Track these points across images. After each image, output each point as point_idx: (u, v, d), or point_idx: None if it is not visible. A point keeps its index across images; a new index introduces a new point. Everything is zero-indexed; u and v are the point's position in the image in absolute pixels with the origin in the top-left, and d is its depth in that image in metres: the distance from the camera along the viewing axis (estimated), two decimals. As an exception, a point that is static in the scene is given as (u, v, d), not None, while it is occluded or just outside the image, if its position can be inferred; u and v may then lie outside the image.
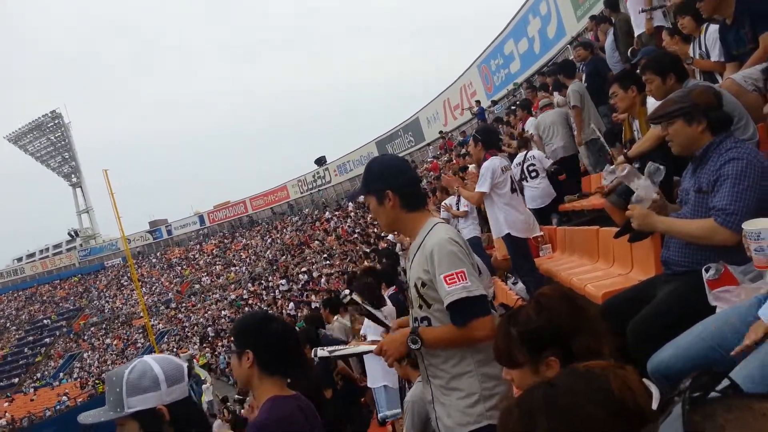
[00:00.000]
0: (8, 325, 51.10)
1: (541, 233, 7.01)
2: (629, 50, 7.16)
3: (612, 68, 7.74)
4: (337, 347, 2.64)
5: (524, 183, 7.52)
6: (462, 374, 2.27)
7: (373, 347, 2.52)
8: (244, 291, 38.60)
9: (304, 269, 32.63)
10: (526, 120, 9.60)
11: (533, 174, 7.52)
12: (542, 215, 7.40)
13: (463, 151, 17.69)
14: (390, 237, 18.60)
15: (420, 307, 2.36)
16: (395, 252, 10.53)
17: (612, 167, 3.39)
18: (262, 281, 37.80)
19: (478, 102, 24.04)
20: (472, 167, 10.58)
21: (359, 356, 2.42)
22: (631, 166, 2.89)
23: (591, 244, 5.62)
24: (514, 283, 6.45)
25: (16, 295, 55.32)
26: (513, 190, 5.67)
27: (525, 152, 7.74)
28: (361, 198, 2.72)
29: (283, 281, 33.69)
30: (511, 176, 5.69)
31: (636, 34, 7.09)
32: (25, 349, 47.09)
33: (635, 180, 2.77)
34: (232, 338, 2.32)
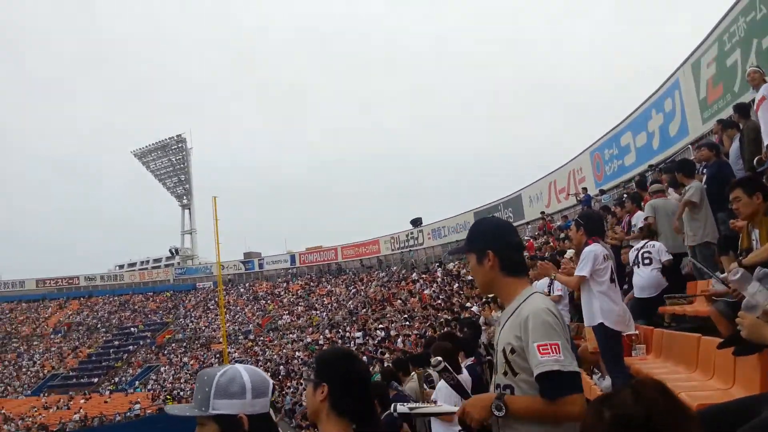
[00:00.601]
0: (99, 326, 53.89)
1: (636, 332, 6.68)
2: (755, 159, 6.89)
3: (735, 176, 7.47)
4: (418, 405, 2.61)
5: (635, 269, 7.28)
6: None
7: (455, 409, 2.45)
8: (321, 336, 38.94)
9: (382, 326, 32.59)
10: (635, 213, 9.36)
11: (646, 261, 7.27)
12: (644, 309, 7.12)
13: (563, 234, 17.35)
14: (474, 309, 18.40)
15: (505, 374, 2.30)
16: (478, 324, 10.37)
17: (723, 275, 3.27)
18: (340, 330, 38.04)
19: (584, 189, 23.67)
20: (569, 253, 10.37)
21: (439, 416, 2.36)
22: (745, 270, 2.77)
23: (690, 352, 5.27)
24: (601, 379, 6.19)
25: (111, 299, 58.41)
26: (612, 281, 5.44)
27: (646, 240, 7.56)
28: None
29: (360, 334, 33.75)
30: (612, 266, 5.48)
31: (765, 144, 6.83)
32: (110, 352, 49.35)
33: (748, 286, 2.61)
34: (312, 366, 2.32)
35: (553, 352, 2.14)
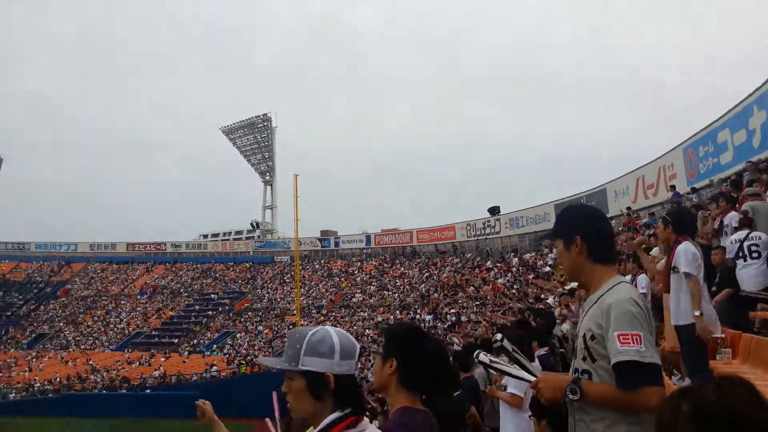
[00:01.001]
0: (182, 291, 56.49)
1: (722, 335, 6.43)
2: None
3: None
4: (498, 360, 2.64)
5: (740, 262, 7.02)
6: None
7: (532, 379, 2.45)
8: (391, 316, 39.37)
9: (453, 311, 32.61)
10: (727, 213, 8.99)
11: (754, 255, 7.00)
12: (732, 311, 6.87)
13: (649, 232, 16.78)
14: (549, 301, 18.14)
15: (584, 359, 2.29)
16: (553, 314, 10.24)
17: None
18: (410, 312, 38.32)
19: (673, 187, 22.77)
20: (655, 250, 10.08)
21: (515, 378, 2.41)
22: None
23: (781, 360, 5.10)
24: (680, 380, 6.03)
25: (194, 266, 61.00)
26: (703, 281, 5.28)
27: (747, 231, 7.27)
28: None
29: (430, 317, 33.89)
30: (702, 266, 5.27)
31: None
32: (191, 316, 51.71)
33: None
34: (381, 340, 2.39)
35: (633, 343, 2.12)
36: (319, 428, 1.74)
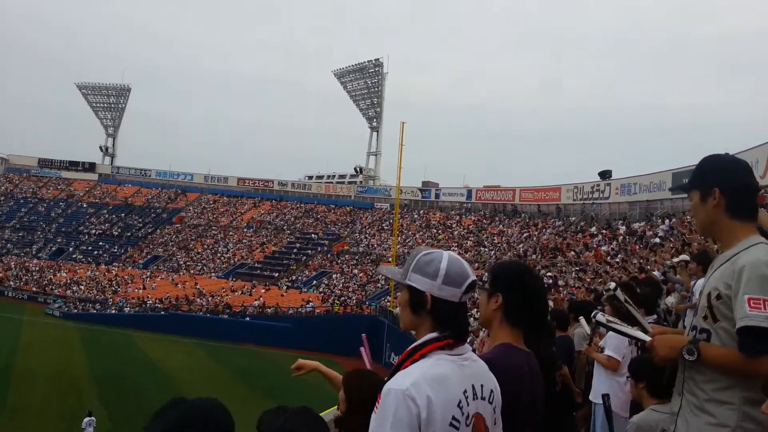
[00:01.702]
0: (285, 228, 58.60)
1: None
2: None
3: None
4: (616, 321, 2.57)
5: None
6: (722, 402, 2.08)
7: (647, 338, 2.36)
8: (485, 273, 38.97)
9: (550, 274, 31.77)
10: None
11: None
12: None
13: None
14: (656, 273, 17.19)
15: (705, 318, 2.16)
16: (659, 283, 9.67)
17: None
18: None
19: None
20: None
21: (631, 339, 2.52)
22: None
23: None
24: None
25: (299, 205, 62.93)
26: None
27: None
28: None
29: (528, 263, 33.19)
30: None
31: None
32: (291, 252, 53.68)
33: None
34: (487, 276, 2.37)
35: (765, 308, 1.97)
36: (414, 344, 1.81)
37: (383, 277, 43.51)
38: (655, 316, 6.02)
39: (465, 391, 1.77)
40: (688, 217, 25.16)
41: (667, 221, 29.60)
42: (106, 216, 65.73)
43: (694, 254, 9.90)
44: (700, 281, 7.71)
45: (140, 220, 64.46)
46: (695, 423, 2.15)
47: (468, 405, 1.77)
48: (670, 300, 9.55)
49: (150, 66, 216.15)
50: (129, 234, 62.29)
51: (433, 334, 1.81)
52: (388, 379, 1.76)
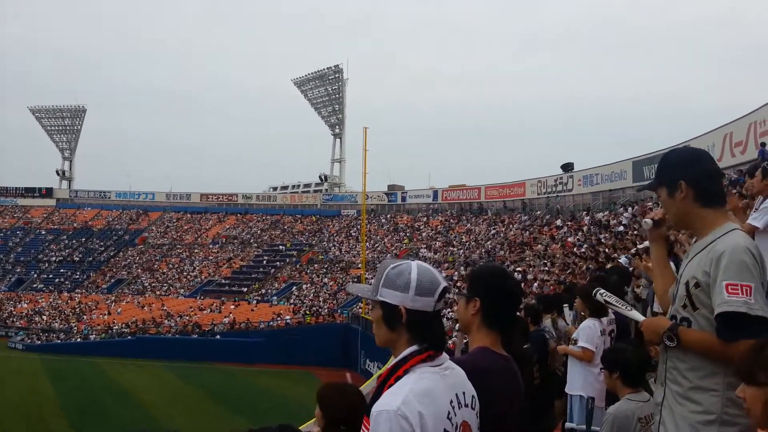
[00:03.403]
0: (252, 241, 57.88)
1: None
2: None
3: None
4: (615, 301, 2.71)
5: None
6: (706, 389, 2.11)
7: (642, 318, 2.44)
8: (456, 273, 38.98)
9: (519, 269, 31.86)
10: None
11: None
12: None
13: (734, 191, 15.56)
14: (622, 260, 17.26)
15: (684, 306, 2.19)
16: (628, 271, 9.67)
17: None
18: (483, 262, 37.76)
19: (763, 144, 21.19)
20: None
21: (628, 318, 2.82)
22: None
23: None
24: None
25: (264, 217, 62.29)
26: None
27: None
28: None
29: (504, 267, 33.23)
30: None
31: None
32: (259, 266, 53.01)
33: None
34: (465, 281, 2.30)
35: (742, 294, 2.01)
36: (396, 360, 1.78)
37: (355, 284, 43.20)
38: None
39: (451, 402, 1.76)
40: (649, 204, 25.45)
41: (629, 209, 29.94)
42: (66, 242, 64.06)
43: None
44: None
45: (101, 243, 63.00)
46: (680, 412, 2.16)
47: (456, 415, 1.76)
48: (637, 288, 9.55)
49: (106, 85, 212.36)
50: (91, 259, 60.79)
51: (413, 348, 1.78)
52: (374, 398, 1.71)
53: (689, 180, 2.26)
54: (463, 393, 1.83)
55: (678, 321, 2.22)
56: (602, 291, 2.74)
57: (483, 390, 1.99)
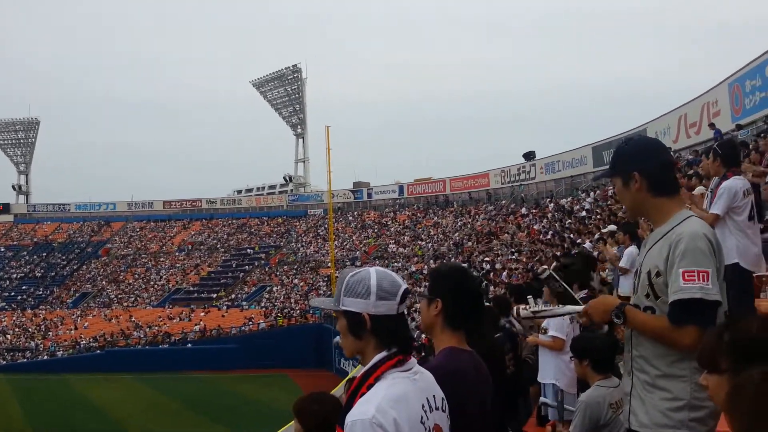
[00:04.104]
0: (218, 246, 57.21)
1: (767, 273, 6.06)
2: None
3: None
4: (542, 308, 2.71)
5: None
6: (674, 376, 2.14)
7: (580, 308, 2.46)
8: (425, 266, 39.20)
9: (488, 258, 32.18)
10: None
11: None
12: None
13: (691, 172, 15.97)
14: (587, 245, 17.58)
15: (647, 296, 2.24)
16: (593, 256, 9.84)
17: None
18: (445, 261, 38.05)
19: (712, 125, 21.84)
20: (698, 189, 9.48)
21: (563, 313, 2.68)
22: None
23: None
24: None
25: (230, 221, 61.56)
26: (751, 218, 4.90)
27: None
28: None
29: (464, 266, 33.53)
30: (752, 202, 4.91)
31: None
32: (228, 271, 52.45)
33: None
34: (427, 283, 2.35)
35: (699, 280, 2.07)
36: (366, 368, 1.77)
37: (325, 284, 43.15)
38: (587, 291, 6.10)
39: (423, 406, 1.76)
40: (610, 189, 25.93)
41: (591, 194, 30.49)
42: (27, 258, 62.38)
43: (621, 224, 10.08)
44: (629, 249, 7.87)
45: (63, 257, 61.53)
46: (650, 400, 2.18)
47: (428, 419, 1.76)
48: (603, 272, 9.72)
49: (59, 96, 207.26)
50: (53, 274, 59.31)
51: (382, 354, 1.78)
52: (346, 408, 1.70)
53: (642, 171, 2.31)
54: (434, 396, 1.83)
55: (642, 310, 2.26)
56: (523, 309, 2.74)
57: (456, 392, 2.00)
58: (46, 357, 42.36)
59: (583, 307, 2.45)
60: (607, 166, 2.49)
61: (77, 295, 54.83)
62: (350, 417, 1.64)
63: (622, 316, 2.21)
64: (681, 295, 2.06)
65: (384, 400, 1.65)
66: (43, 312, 51.91)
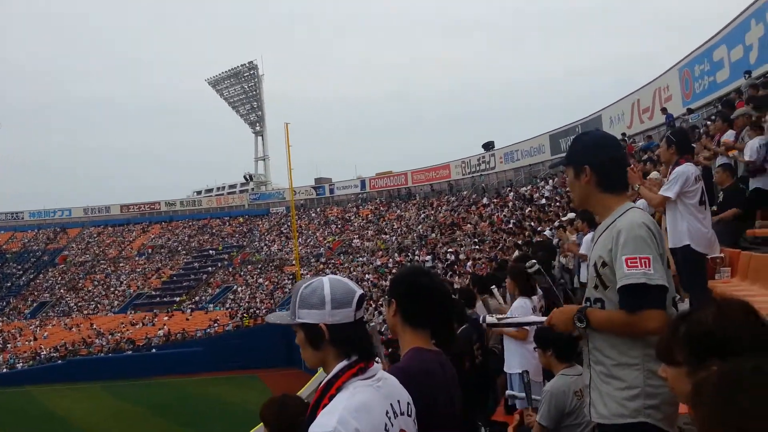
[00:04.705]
0: (180, 249, 56.32)
1: (722, 255, 6.36)
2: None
3: None
4: (506, 316, 2.85)
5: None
6: (627, 365, 2.19)
7: (543, 318, 2.55)
8: (390, 259, 39.31)
9: (451, 249, 32.46)
10: (725, 131, 8.74)
11: None
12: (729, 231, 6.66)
13: (645, 156, 16.36)
14: (547, 233, 17.85)
15: (596, 287, 2.30)
16: (553, 246, 10.00)
17: None
18: (409, 254, 38.22)
19: (664, 110, 22.41)
20: (653, 174, 9.71)
21: (528, 324, 3.03)
22: None
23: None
24: (680, 302, 5.81)
25: (191, 223, 60.62)
26: (701, 203, 5.13)
27: None
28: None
29: (429, 257, 33.78)
30: (702, 188, 5.15)
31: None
32: (190, 274, 51.72)
33: None
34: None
35: (642, 266, 2.12)
36: (327, 378, 1.76)
37: (290, 282, 42.90)
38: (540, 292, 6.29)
39: (387, 413, 1.74)
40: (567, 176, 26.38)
41: (550, 182, 30.96)
42: (-20, 269, 60.47)
43: (580, 211, 10.27)
44: (588, 236, 8.04)
45: (19, 267, 59.77)
46: (606, 390, 2.23)
47: (393, 426, 1.75)
48: (563, 259, 9.88)
49: (6, 102, 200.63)
50: (9, 284, 57.58)
51: (343, 363, 1.77)
52: (309, 420, 1.68)
53: (593, 165, 2.37)
54: (398, 401, 1.82)
55: (592, 302, 2.31)
56: (489, 317, 2.81)
57: (424, 392, 2.01)
58: (5, 370, 41.09)
59: (545, 318, 2.49)
60: (564, 154, 2.56)
61: (35, 304, 53.34)
62: (312, 429, 1.62)
63: (585, 319, 2.24)
64: (626, 281, 2.12)
65: (345, 411, 1.63)
66: (0, 324, 50.39)
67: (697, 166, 5.96)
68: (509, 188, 38.01)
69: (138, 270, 54.29)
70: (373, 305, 29.82)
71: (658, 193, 5.21)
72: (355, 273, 39.57)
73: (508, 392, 5.33)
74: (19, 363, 41.59)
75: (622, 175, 2.45)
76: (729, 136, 8.47)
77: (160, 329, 41.38)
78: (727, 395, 1.03)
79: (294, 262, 42.52)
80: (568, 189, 26.53)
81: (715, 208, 7.50)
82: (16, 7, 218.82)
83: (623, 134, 26.78)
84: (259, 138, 68.06)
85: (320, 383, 1.79)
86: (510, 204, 33.84)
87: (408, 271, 2.38)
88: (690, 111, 20.88)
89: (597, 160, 2.37)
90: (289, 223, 50.21)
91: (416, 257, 36.06)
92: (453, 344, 2.43)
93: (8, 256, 61.60)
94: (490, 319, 2.75)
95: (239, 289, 46.40)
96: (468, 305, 6.44)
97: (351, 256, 44.45)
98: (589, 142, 2.46)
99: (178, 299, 47.70)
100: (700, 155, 8.59)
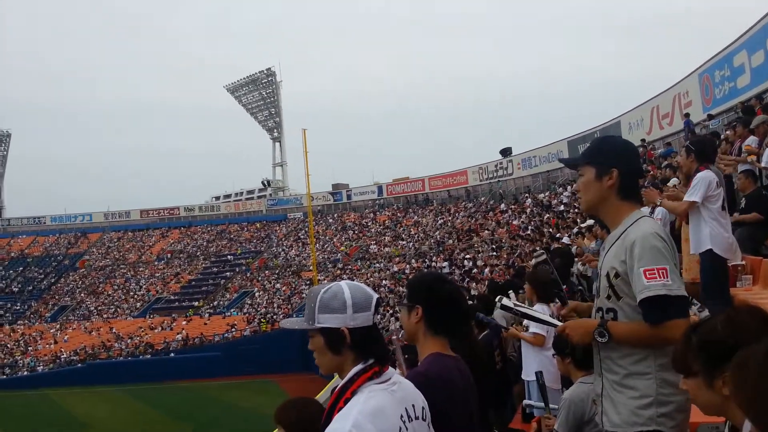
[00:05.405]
0: (198, 254, 56.74)
1: (743, 262, 6.28)
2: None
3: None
4: (523, 304, 2.77)
5: None
6: (640, 374, 2.19)
7: (558, 323, 2.49)
8: (407, 266, 39.25)
9: (469, 256, 32.35)
10: (746, 138, 8.66)
11: None
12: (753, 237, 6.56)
13: (665, 163, 16.21)
14: (565, 239, 17.74)
15: (608, 298, 2.28)
16: (570, 253, 9.94)
17: None
18: (426, 260, 38.14)
19: (687, 115, 22.15)
20: (673, 181, 9.63)
21: (540, 321, 2.87)
22: None
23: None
24: (700, 310, 5.78)
25: (209, 228, 61.08)
26: (723, 208, 5.11)
27: None
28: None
29: (446, 264, 33.68)
30: (724, 194, 5.12)
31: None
32: (209, 278, 52.04)
33: None
34: (403, 291, 2.37)
35: (660, 277, 2.11)
36: (343, 381, 1.77)
37: (308, 287, 42.97)
38: (566, 287, 6.24)
39: (402, 417, 1.75)
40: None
41: (568, 188, 30.76)
42: (2, 273, 61.33)
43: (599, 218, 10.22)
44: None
45: (40, 271, 60.60)
46: (620, 399, 2.23)
47: (407, 430, 1.75)
48: (581, 266, 9.81)
49: (31, 106, 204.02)
50: (30, 288, 58.38)
51: (358, 367, 1.78)
52: (325, 424, 1.69)
53: (621, 169, 2.33)
54: (413, 406, 1.82)
55: (605, 312, 2.30)
56: (506, 299, 2.81)
57: (442, 398, 2.02)
58: (26, 372, 41.66)
59: (560, 324, 2.47)
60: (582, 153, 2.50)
61: (56, 308, 54.04)
62: None
63: (607, 333, 2.21)
64: (647, 293, 2.11)
65: (361, 415, 1.64)
66: (22, 327, 51.06)
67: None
68: (527, 194, 37.81)
69: (157, 275, 54.78)
70: (390, 311, 29.80)
71: (682, 200, 5.18)
72: (372, 279, 39.56)
73: (526, 402, 5.30)
74: (39, 366, 42.11)
75: (639, 186, 2.50)
76: (751, 142, 8.39)
77: (178, 333, 41.69)
78: None
79: (311, 267, 42.62)
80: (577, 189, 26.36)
81: (737, 214, 7.43)
82: (42, 7, 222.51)
83: (642, 140, 26.53)
84: (277, 144, 68.46)
85: (335, 387, 1.80)
86: (528, 210, 33.66)
87: (431, 278, 2.38)
88: (710, 117, 20.66)
89: (624, 165, 2.34)
90: (306, 229, 50.36)
91: (433, 263, 35.98)
92: (472, 351, 2.43)
93: (30, 260, 62.47)
94: (507, 302, 2.72)
95: (257, 294, 46.60)
96: (487, 310, 6.42)
97: (368, 262, 44.47)
98: (618, 147, 2.44)
99: (196, 304, 48.03)
100: (721, 163, 8.52)
